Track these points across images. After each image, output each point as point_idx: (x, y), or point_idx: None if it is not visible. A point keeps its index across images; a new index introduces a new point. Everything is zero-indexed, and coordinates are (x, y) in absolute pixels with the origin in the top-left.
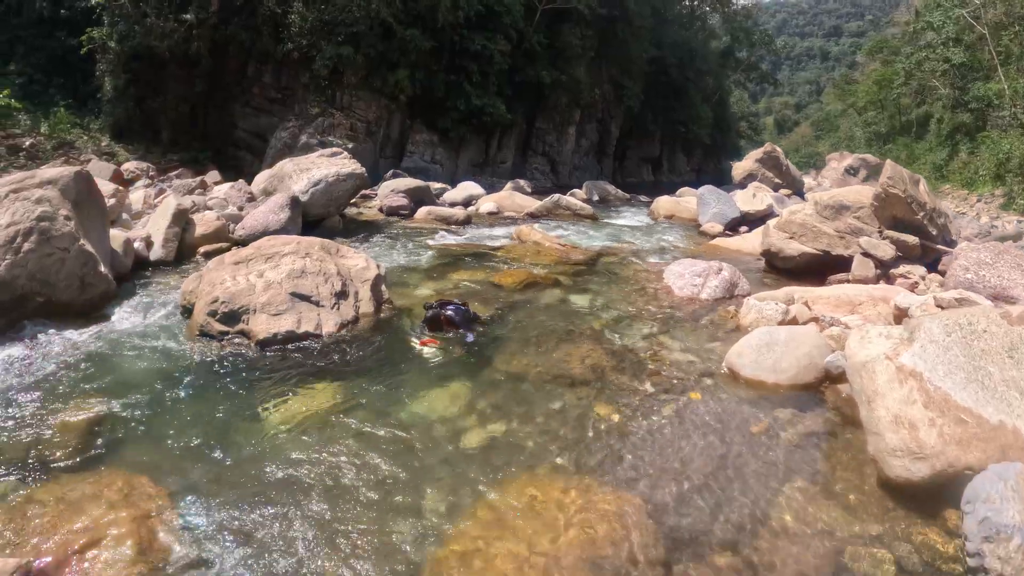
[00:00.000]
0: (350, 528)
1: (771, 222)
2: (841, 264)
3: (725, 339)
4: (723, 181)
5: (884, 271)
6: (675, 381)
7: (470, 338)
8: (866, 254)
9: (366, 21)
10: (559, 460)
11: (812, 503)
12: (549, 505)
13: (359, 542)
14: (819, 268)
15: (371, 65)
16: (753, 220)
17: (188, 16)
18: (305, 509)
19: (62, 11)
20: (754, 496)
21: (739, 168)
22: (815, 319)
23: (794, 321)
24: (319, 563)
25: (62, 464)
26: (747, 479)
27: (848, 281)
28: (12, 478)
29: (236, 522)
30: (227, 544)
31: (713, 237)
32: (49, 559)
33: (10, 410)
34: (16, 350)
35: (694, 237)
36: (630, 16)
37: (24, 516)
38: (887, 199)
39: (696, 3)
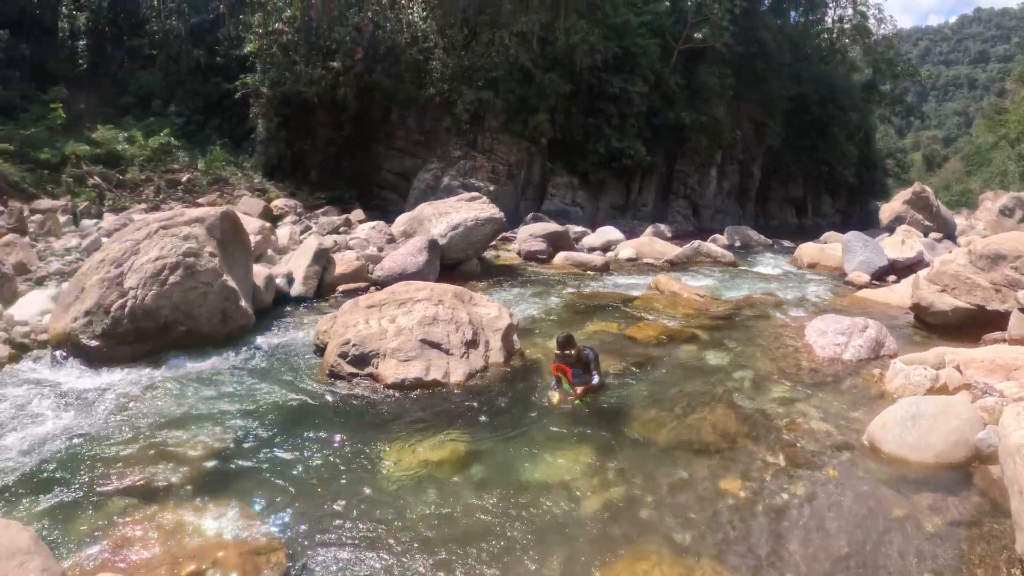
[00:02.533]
0: None
1: (921, 273)
2: (998, 321)
3: (868, 407)
4: (870, 223)
5: None
6: (811, 454)
7: (596, 380)
8: None
9: (505, 66)
10: (677, 537)
11: None
12: None
13: None
14: (973, 324)
15: (511, 109)
16: (902, 268)
17: (335, 64)
18: (412, 563)
19: (217, 59)
20: None
21: (887, 210)
22: (967, 386)
23: (944, 388)
24: None
25: (180, 491)
26: (882, 571)
27: (1005, 341)
28: (132, 498)
29: (342, 568)
30: None
31: (859, 288)
32: None
33: (139, 434)
34: (155, 376)
35: (839, 287)
36: (769, 53)
37: (138, 537)
38: None
39: (836, 36)
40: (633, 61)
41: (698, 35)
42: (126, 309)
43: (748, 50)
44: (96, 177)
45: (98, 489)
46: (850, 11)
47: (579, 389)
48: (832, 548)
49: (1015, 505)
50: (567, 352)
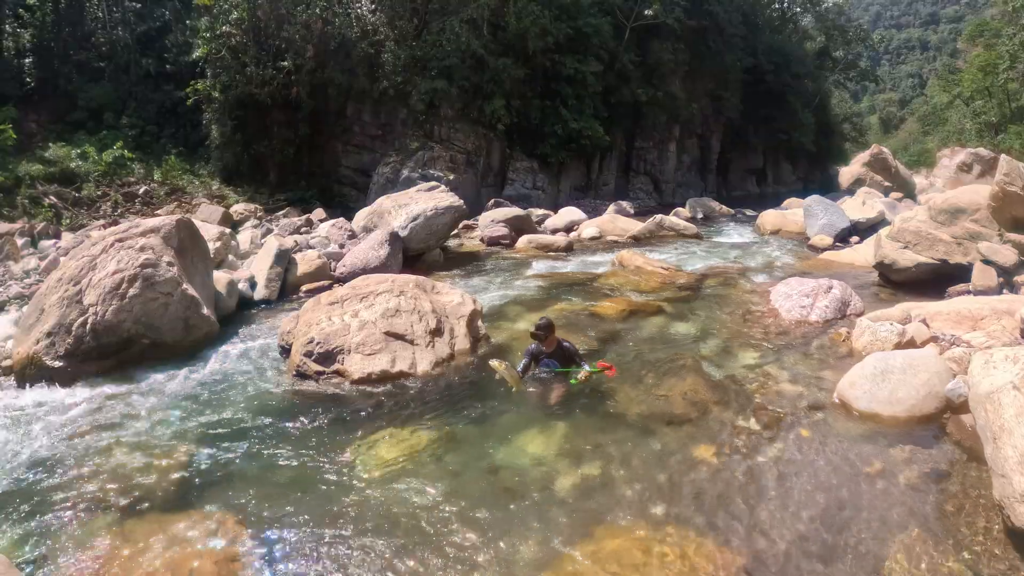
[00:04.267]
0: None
1: (883, 231)
2: (961, 274)
3: (837, 366)
4: (830, 188)
5: (1008, 279)
6: (782, 416)
7: (586, 367)
8: (987, 261)
9: (457, 54)
10: (655, 509)
11: (931, 555)
12: (642, 559)
13: None
14: (937, 279)
15: (466, 97)
16: (864, 229)
17: (285, 63)
18: (391, 555)
19: (167, 66)
20: (867, 550)
21: (846, 174)
22: (934, 339)
23: (911, 343)
24: None
25: (155, 500)
26: (860, 530)
27: (969, 292)
28: (107, 512)
29: (319, 567)
30: None
31: (822, 250)
32: None
33: (107, 450)
34: (121, 391)
35: (802, 252)
36: (720, 25)
37: (112, 553)
38: (1005, 198)
39: (787, 5)
40: (586, 41)
41: (649, 12)
42: (87, 326)
43: (700, 24)
44: (52, 196)
45: (68, 507)
46: None
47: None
48: (809, 508)
49: (989, 451)
50: (546, 336)
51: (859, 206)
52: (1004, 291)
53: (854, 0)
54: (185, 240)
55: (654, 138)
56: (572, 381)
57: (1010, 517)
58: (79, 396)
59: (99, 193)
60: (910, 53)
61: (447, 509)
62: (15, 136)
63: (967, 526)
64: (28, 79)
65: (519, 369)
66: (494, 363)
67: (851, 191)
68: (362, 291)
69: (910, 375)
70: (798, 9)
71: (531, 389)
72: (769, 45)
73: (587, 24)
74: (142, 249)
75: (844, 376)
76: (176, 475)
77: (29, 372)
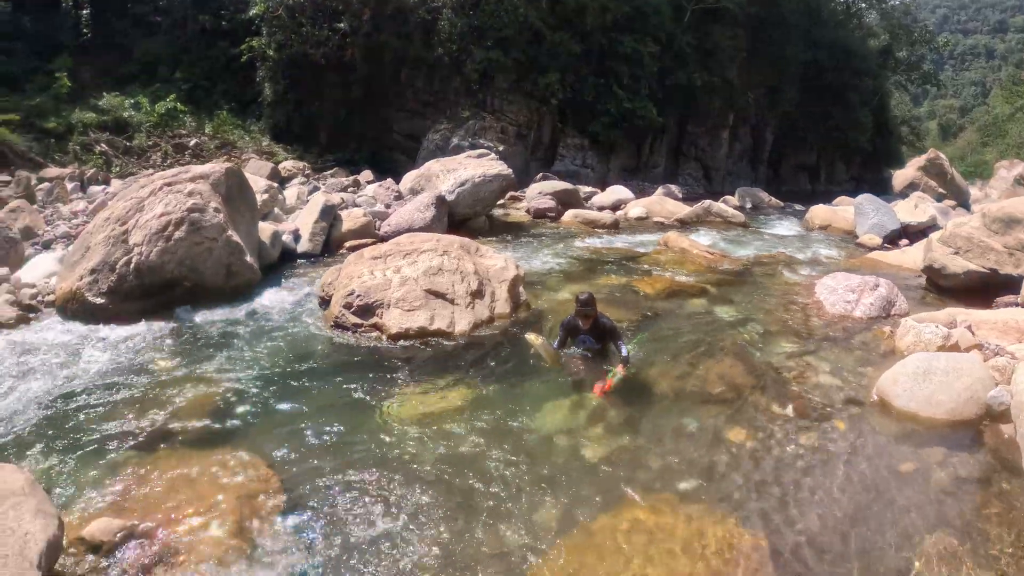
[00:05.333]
0: (453, 531)
1: (934, 235)
2: (1011, 285)
3: (878, 363)
4: (883, 191)
5: None
6: (819, 407)
7: (624, 351)
8: None
9: (515, 26)
10: (682, 485)
11: (960, 560)
12: (665, 533)
13: (460, 546)
14: (985, 288)
15: (521, 69)
16: (914, 233)
17: (341, 25)
18: (411, 508)
19: (223, 23)
20: (895, 547)
21: (900, 177)
22: (978, 346)
23: (955, 347)
24: (415, 560)
25: (182, 439)
26: (889, 526)
27: (1018, 304)
28: (136, 446)
29: (340, 512)
30: (325, 531)
31: (871, 250)
32: (152, 524)
33: (143, 386)
34: (160, 330)
35: (850, 249)
36: (783, 14)
37: (139, 483)
38: None
39: (852, 0)
40: (645, 21)
41: None
42: (131, 266)
43: (762, 12)
44: (103, 144)
45: (100, 439)
46: None
47: (613, 376)
48: (839, 499)
49: None
50: (587, 312)
51: (911, 209)
52: None
53: (921, 1)
54: (233, 188)
55: (707, 124)
56: (610, 375)
57: None
58: (118, 333)
59: (150, 143)
60: (975, 60)
61: (473, 469)
62: (69, 85)
63: (999, 535)
64: (85, 31)
65: (555, 345)
66: (531, 337)
67: (904, 195)
68: (406, 248)
69: (952, 378)
70: (863, 5)
71: (566, 370)
72: (831, 40)
73: (647, 3)
74: (190, 194)
75: (885, 372)
76: (206, 414)
77: (71, 307)
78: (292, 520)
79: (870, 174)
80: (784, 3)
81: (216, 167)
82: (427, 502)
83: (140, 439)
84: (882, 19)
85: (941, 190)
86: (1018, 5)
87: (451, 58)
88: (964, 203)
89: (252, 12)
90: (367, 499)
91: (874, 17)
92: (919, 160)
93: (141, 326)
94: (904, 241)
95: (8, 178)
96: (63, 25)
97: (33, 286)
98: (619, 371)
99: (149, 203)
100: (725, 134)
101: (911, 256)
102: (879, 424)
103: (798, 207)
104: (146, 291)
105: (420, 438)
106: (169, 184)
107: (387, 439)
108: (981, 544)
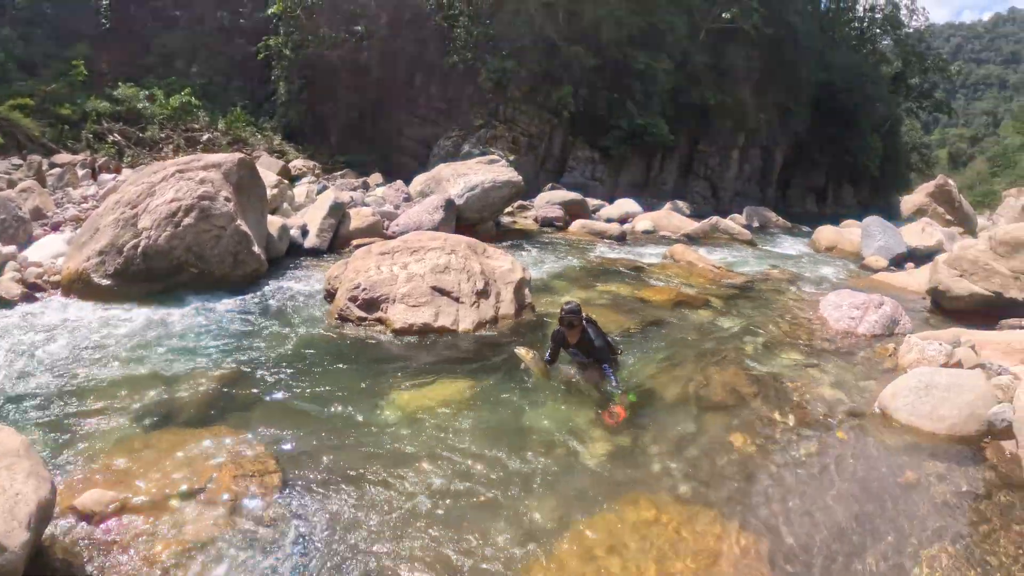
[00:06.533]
0: (449, 525)
1: (940, 257)
2: (1015, 308)
3: (880, 378)
4: (891, 216)
5: None
6: (821, 417)
7: (610, 375)
8: None
9: (530, 37)
10: (683, 488)
11: (959, 571)
12: (664, 534)
13: (456, 541)
14: (989, 312)
15: (535, 80)
16: (921, 256)
17: (359, 28)
18: (407, 498)
19: (241, 20)
20: (892, 557)
21: (908, 202)
22: (981, 366)
23: (958, 366)
24: (408, 552)
25: (182, 418)
26: (886, 536)
27: (1022, 328)
28: (133, 424)
29: (333, 499)
30: (317, 518)
31: (876, 271)
32: (146, 499)
33: (148, 365)
34: (164, 313)
35: (856, 271)
36: (798, 37)
37: (136, 458)
38: None
39: (866, 25)
40: (660, 37)
41: (726, 15)
42: (139, 249)
43: (777, 33)
44: (116, 134)
45: (97, 415)
46: (882, 0)
47: (620, 404)
48: (837, 507)
49: None
50: (572, 321)
51: (918, 232)
52: None
53: (935, 29)
54: (244, 179)
55: (718, 143)
56: (615, 401)
57: None
58: (122, 314)
59: (162, 135)
60: (988, 90)
61: (471, 462)
62: (86, 73)
63: (997, 550)
64: (104, 20)
65: (547, 357)
66: (520, 351)
67: (911, 220)
68: (413, 245)
69: (954, 393)
70: (877, 31)
71: (556, 385)
72: (845, 63)
73: (662, 20)
74: (202, 182)
75: (887, 386)
76: (206, 397)
77: (76, 287)
78: (287, 502)
79: (878, 199)
80: (799, 25)
81: (229, 157)
82: (423, 496)
83: (137, 417)
84: (896, 45)
85: (949, 217)
86: None
87: (465, 66)
88: (971, 231)
89: (271, 11)
90: (363, 488)
91: (888, 43)
92: (928, 186)
93: (145, 309)
94: (910, 264)
95: (20, 161)
96: (83, 14)
97: (40, 265)
98: (622, 400)
99: (160, 188)
100: (735, 154)
101: (916, 278)
102: (880, 436)
103: (805, 228)
104: (152, 275)
105: (419, 432)
106: (181, 171)
107: (386, 431)
108: (980, 556)
